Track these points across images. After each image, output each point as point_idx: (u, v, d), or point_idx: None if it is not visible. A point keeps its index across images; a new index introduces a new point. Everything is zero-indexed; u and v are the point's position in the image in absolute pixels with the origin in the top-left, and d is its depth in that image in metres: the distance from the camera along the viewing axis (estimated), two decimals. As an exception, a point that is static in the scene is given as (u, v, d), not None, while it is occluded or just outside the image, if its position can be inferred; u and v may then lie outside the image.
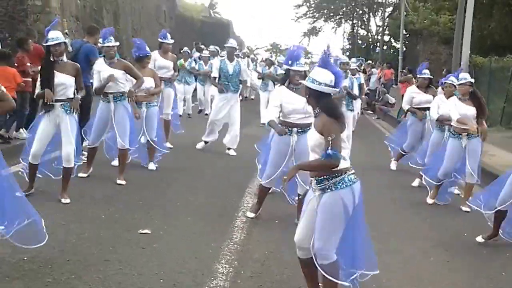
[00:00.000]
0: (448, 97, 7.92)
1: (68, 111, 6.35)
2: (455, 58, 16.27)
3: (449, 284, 5.05)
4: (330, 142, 3.72)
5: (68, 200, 6.38)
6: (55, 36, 6.22)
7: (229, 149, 10.34)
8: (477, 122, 7.26)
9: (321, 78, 3.89)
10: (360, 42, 52.65)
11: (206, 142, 10.61)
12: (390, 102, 19.51)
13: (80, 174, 7.42)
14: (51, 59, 6.28)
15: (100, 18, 21.46)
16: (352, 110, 10.82)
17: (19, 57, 9.63)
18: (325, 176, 3.85)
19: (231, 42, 10.49)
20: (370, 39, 52.00)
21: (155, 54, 9.73)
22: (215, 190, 7.66)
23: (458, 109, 7.30)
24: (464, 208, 7.37)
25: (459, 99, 7.41)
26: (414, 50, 33.54)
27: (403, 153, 9.80)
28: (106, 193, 6.96)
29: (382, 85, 21.97)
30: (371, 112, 22.01)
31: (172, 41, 10.25)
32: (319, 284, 4.14)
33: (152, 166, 8.60)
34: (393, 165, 10.11)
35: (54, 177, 6.66)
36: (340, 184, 3.83)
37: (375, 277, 4.25)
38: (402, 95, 18.53)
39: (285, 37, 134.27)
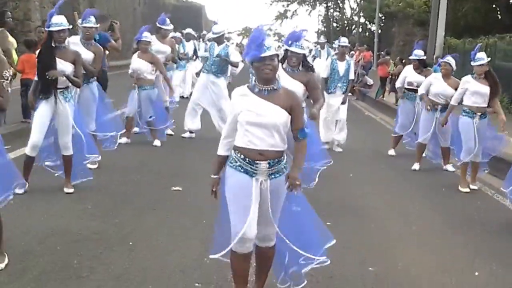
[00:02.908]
0: (445, 76, 8.24)
1: (68, 99, 6.06)
2: (430, 39, 17.16)
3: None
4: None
5: (71, 190, 6.12)
6: (59, 21, 5.80)
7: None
8: (490, 101, 7.35)
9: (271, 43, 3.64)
10: (335, 24, 53.50)
11: (191, 132, 10.07)
12: (368, 83, 20.29)
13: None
14: (53, 44, 5.90)
15: (77, 4, 21.52)
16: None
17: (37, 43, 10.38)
18: (279, 159, 3.66)
19: (215, 29, 9.79)
20: (345, 21, 52.85)
21: (152, 39, 9.44)
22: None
23: (472, 88, 7.38)
24: (472, 186, 7.63)
25: (474, 78, 7.45)
26: (389, 32, 34.51)
27: (395, 135, 9.78)
28: (130, 164, 7.81)
29: (362, 67, 22.88)
30: (350, 94, 22.85)
31: (171, 27, 10.12)
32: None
33: (157, 142, 9.04)
34: (391, 152, 9.80)
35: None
36: (286, 165, 3.73)
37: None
38: (380, 77, 19.58)
39: (257, 21, 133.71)
